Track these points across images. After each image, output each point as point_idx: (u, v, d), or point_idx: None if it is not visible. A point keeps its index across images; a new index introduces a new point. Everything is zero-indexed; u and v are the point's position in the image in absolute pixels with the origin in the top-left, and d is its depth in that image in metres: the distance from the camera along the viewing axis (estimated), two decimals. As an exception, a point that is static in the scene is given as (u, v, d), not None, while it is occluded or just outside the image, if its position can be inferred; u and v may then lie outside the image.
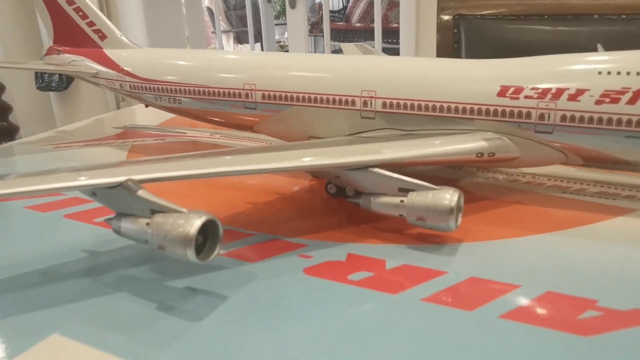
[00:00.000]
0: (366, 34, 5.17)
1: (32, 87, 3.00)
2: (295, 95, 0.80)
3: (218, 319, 0.50)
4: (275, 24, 5.24)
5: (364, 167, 0.63)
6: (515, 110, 0.68)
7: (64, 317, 0.51)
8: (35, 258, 0.62)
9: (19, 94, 3.43)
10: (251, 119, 0.85)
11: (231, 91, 0.85)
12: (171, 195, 0.75)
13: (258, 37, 4.98)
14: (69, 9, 1.02)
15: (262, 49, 4.96)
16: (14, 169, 0.95)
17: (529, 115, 0.68)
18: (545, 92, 0.67)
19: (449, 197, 0.59)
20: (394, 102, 0.74)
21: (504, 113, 0.69)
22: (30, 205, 0.76)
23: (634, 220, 0.67)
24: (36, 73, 2.54)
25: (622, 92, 0.64)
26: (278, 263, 0.60)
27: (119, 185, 0.53)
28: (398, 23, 3.18)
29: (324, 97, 0.78)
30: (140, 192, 0.52)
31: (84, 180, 0.53)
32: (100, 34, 1.03)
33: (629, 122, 0.63)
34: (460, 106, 0.71)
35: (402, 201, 0.61)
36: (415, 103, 0.73)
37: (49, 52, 1.08)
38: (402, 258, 0.60)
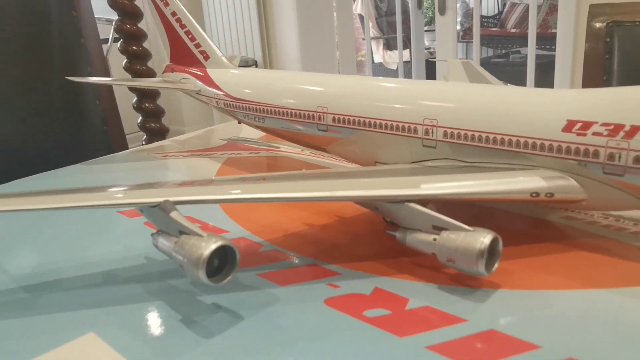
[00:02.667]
0: (522, 40, 4.89)
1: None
2: (361, 119, 0.80)
3: (226, 339, 0.53)
4: (426, 30, 5.17)
5: (400, 201, 0.61)
6: (582, 147, 0.62)
7: (103, 319, 0.58)
8: (105, 259, 0.71)
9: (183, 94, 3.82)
10: (323, 140, 0.87)
11: (306, 113, 0.88)
12: (240, 210, 0.81)
13: (407, 44, 4.96)
14: (181, 32, 1.13)
15: (411, 56, 4.93)
16: (117, 175, 1.08)
17: (596, 154, 0.61)
18: (618, 129, 0.60)
19: (480, 239, 0.56)
20: (455, 132, 0.71)
21: (568, 150, 0.63)
22: (121, 210, 0.86)
23: None
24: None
25: None
26: (304, 289, 0.61)
27: (157, 205, 0.59)
28: (557, 28, 2.96)
29: (388, 123, 0.77)
30: (173, 214, 0.57)
31: (127, 199, 0.59)
32: (204, 55, 1.12)
33: None
34: (522, 140, 0.66)
35: (434, 239, 0.59)
36: (476, 134, 0.69)
37: (166, 69, 1.21)
38: (427, 299, 0.58)
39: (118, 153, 1.21)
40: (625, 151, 0.59)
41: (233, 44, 3.90)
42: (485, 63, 4.88)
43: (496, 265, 0.58)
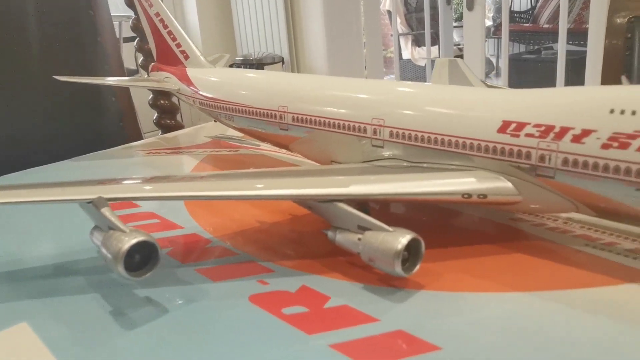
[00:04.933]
0: (554, 36, 4.75)
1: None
2: (316, 119, 0.81)
3: (148, 332, 0.54)
4: (455, 27, 5.10)
5: (329, 200, 0.62)
6: (515, 149, 0.61)
7: (39, 310, 0.60)
8: (56, 253, 0.74)
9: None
10: (285, 139, 0.88)
11: (269, 112, 0.89)
12: (201, 207, 0.83)
13: (436, 40, 4.90)
14: (164, 32, 1.16)
15: (439, 53, 4.87)
16: (97, 172, 1.11)
17: (529, 155, 0.60)
18: (548, 130, 0.59)
19: (398, 240, 0.56)
20: (400, 131, 0.71)
21: (503, 151, 0.62)
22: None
23: (649, 290, 0.56)
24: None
25: (633, 137, 0.53)
26: (234, 286, 0.63)
27: (91, 202, 0.61)
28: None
29: (340, 122, 0.78)
30: (103, 210, 0.59)
31: (64, 195, 0.62)
32: (185, 55, 1.15)
33: (638, 173, 0.53)
34: (461, 140, 0.65)
35: (359, 239, 0.59)
36: (419, 134, 0.69)
37: (152, 69, 1.24)
38: (348, 297, 0.58)
39: (106, 150, 1.25)
40: (555, 152, 0.58)
41: (260, 41, 3.93)
42: (515, 59, 4.78)
43: (417, 266, 0.58)
